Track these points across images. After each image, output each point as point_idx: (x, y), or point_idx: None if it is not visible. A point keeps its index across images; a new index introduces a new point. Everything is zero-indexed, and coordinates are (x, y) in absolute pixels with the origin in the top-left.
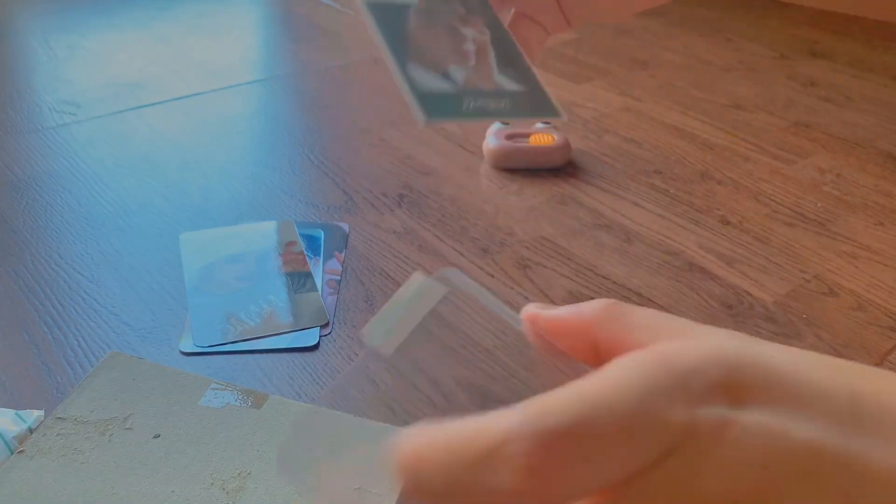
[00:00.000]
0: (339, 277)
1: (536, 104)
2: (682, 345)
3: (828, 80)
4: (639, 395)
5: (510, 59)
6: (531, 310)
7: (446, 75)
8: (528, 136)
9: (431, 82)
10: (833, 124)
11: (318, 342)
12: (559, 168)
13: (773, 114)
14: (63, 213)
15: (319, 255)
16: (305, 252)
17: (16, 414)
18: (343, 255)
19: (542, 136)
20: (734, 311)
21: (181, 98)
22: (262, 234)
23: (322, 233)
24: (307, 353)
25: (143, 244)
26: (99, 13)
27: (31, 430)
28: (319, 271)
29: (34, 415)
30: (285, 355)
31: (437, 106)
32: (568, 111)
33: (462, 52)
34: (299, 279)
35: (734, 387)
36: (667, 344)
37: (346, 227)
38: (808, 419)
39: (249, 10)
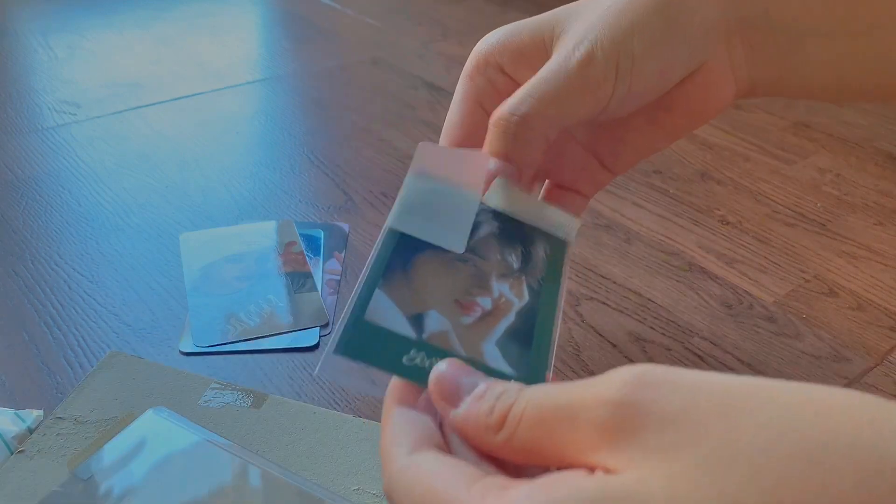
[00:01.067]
0: (339, 277)
1: None
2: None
3: None
4: None
5: (524, 336)
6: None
7: (419, 318)
8: None
9: (389, 317)
10: (833, 124)
11: (318, 342)
12: None
13: (773, 114)
14: (63, 213)
15: (319, 255)
16: (305, 252)
17: (15, 413)
18: (343, 255)
19: None
20: (734, 311)
21: (181, 98)
22: (262, 234)
23: (322, 233)
24: (307, 353)
25: (143, 244)
26: (99, 13)
27: (30, 430)
28: (319, 271)
29: (33, 414)
30: (285, 355)
31: (362, 343)
32: None
33: (468, 305)
34: (299, 279)
35: None
36: None
37: (346, 227)
38: None
39: (249, 10)
